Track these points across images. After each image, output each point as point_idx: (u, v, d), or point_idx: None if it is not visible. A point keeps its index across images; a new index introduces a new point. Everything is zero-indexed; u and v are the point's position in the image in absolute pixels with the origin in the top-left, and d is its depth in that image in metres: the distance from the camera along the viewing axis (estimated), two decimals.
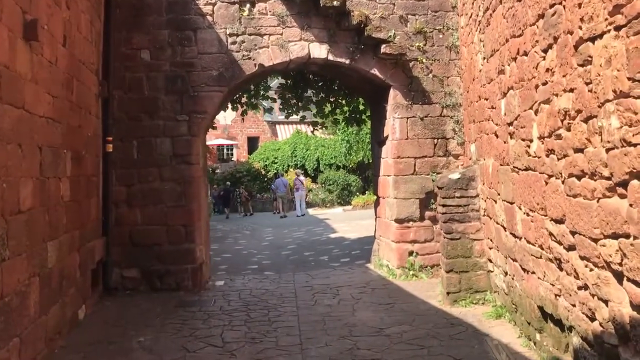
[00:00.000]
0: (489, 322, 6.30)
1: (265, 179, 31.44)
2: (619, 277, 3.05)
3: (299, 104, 11.18)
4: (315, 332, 6.37)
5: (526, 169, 4.76)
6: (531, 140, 4.53)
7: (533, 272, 4.81)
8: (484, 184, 6.95)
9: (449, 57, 9.30)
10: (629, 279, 2.93)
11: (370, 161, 10.70)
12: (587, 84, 3.22)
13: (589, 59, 3.17)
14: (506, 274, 6.02)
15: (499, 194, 6.07)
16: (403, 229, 9.19)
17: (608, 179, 3.03)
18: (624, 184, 2.84)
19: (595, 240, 3.27)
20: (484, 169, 6.88)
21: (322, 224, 18.70)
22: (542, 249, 4.45)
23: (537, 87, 4.27)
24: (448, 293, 7.13)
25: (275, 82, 12.21)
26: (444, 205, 7.21)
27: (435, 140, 9.28)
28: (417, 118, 9.22)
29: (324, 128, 12.06)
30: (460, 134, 9.23)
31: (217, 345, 6.02)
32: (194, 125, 8.74)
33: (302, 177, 26.89)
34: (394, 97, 9.21)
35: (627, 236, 2.86)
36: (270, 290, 8.68)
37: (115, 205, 8.52)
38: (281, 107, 11.34)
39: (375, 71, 9.13)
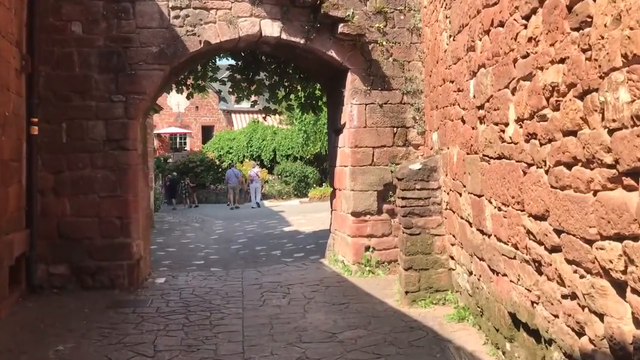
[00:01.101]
0: (451, 326, 5.76)
1: (220, 170, 30.49)
2: (621, 287, 2.49)
3: (251, 87, 10.40)
4: (260, 337, 5.70)
5: (499, 157, 4.20)
6: (506, 124, 3.96)
7: (504, 275, 4.25)
8: (447, 175, 6.40)
9: (411, 41, 8.72)
10: (634, 291, 2.36)
11: (328, 153, 10.10)
12: (584, 51, 2.64)
13: (588, 19, 2.58)
14: (471, 273, 5.47)
15: (464, 186, 5.52)
16: (360, 223, 8.61)
17: (611, 167, 2.45)
18: (635, 174, 2.27)
19: (590, 242, 2.70)
20: (448, 158, 6.32)
21: (277, 217, 17.99)
22: (517, 248, 3.89)
23: (515, 61, 3.69)
24: (407, 292, 6.56)
25: (225, 63, 11.37)
26: (403, 198, 6.63)
27: (395, 129, 8.72)
28: (376, 105, 8.62)
29: (277, 115, 11.29)
30: (421, 122, 8.69)
31: (147, 354, 5.27)
32: (131, 107, 7.90)
33: (257, 169, 26.23)
34: (352, 81, 8.58)
35: (636, 238, 2.29)
36: (215, 289, 7.96)
37: (40, 193, 7.64)
38: (230, 90, 10.56)
39: (332, 53, 8.48)
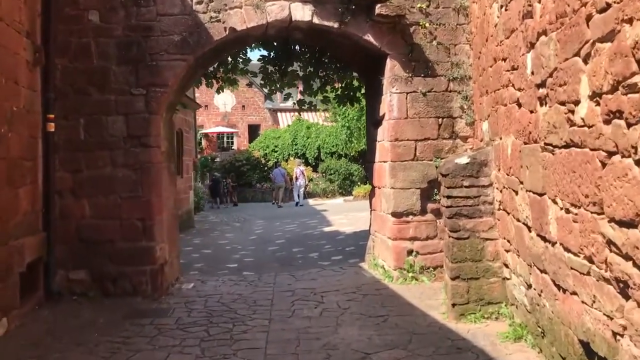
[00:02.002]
0: (506, 347, 4.91)
1: (266, 168, 30.25)
2: None
3: (283, 79, 9.74)
4: (284, 356, 5.01)
5: (567, 146, 3.35)
6: (577, 103, 3.12)
7: (574, 293, 3.40)
8: (499, 169, 5.53)
9: (457, 21, 7.84)
10: None
11: (367, 147, 9.35)
12: None
13: None
14: (529, 286, 4.61)
15: (521, 183, 4.66)
16: (401, 224, 7.81)
17: None
18: None
19: None
20: (501, 150, 5.46)
21: (318, 216, 17.32)
22: (592, 262, 3.05)
23: (589, 18, 2.85)
24: (453, 305, 5.74)
25: (257, 56, 10.66)
26: (449, 197, 5.80)
27: (440, 120, 7.87)
28: (419, 93, 7.79)
29: (313, 109, 10.58)
30: (469, 112, 7.81)
31: None
32: (153, 100, 7.35)
33: (302, 167, 26.01)
34: (392, 68, 7.78)
35: None
36: (244, 296, 7.32)
37: (59, 195, 7.19)
38: (262, 82, 9.92)
39: (369, 37, 7.70)
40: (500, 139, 5.47)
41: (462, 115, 7.88)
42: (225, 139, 41.96)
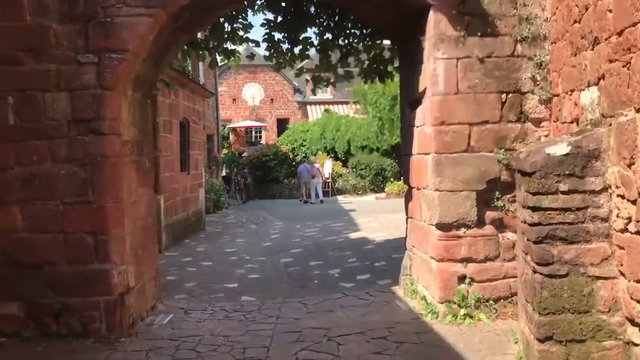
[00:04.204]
0: None
1: (294, 163, 28.53)
2: None
3: (294, 49, 7.63)
4: None
5: None
6: None
7: None
8: (622, 166, 3.34)
9: None
10: None
11: (401, 135, 7.21)
12: None
13: None
14: None
15: None
16: (450, 240, 5.69)
17: None
18: None
19: None
20: (626, 133, 3.28)
21: (345, 218, 15.17)
22: None
23: None
24: None
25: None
26: (535, 209, 3.64)
27: (504, 96, 5.70)
28: (474, 59, 5.63)
29: (329, 87, 8.40)
30: (544, 84, 5.62)
31: None
32: (107, 71, 5.38)
33: (317, 165, 24.90)
34: (436, 24, 5.62)
35: None
36: (231, 341, 5.30)
37: None
38: (267, 53, 7.83)
39: None
40: (625, 115, 3.27)
41: (535, 90, 5.69)
42: (253, 133, 41.26)
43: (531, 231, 3.64)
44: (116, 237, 5.48)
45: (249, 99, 41.01)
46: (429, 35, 5.71)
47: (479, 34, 5.63)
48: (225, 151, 34.25)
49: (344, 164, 27.43)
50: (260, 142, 39.66)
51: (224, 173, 29.40)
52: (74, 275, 5.39)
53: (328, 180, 25.99)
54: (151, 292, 6.43)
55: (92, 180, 5.39)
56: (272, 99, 41.20)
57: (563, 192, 3.57)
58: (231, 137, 39.51)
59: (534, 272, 3.64)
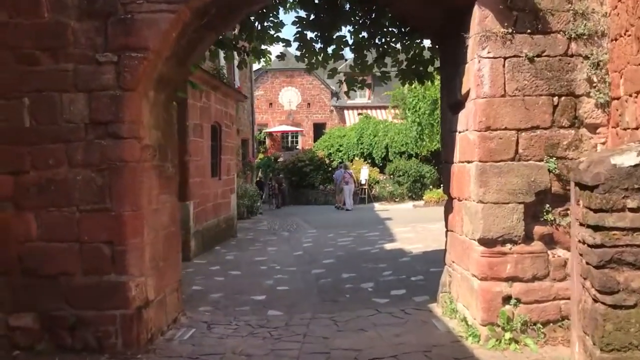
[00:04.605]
0: None
1: (330, 169, 28.20)
2: None
3: (327, 49, 7.21)
4: None
5: None
6: None
7: None
8: None
9: None
10: None
11: (441, 141, 6.68)
12: None
13: None
14: None
15: None
16: (494, 257, 5.20)
17: None
18: None
19: None
20: None
21: (380, 227, 14.64)
22: None
23: None
24: None
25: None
26: (596, 227, 3.14)
27: (556, 99, 5.19)
28: (523, 58, 5.14)
29: (365, 89, 7.88)
30: (602, 86, 5.08)
31: None
32: (127, 70, 5.08)
33: (350, 170, 24.55)
34: (481, 20, 5.15)
35: None
36: None
37: None
38: (298, 54, 7.41)
39: None
40: None
41: (591, 92, 5.15)
42: (289, 138, 41.16)
43: (592, 254, 3.13)
44: (134, 247, 5.16)
45: (285, 103, 40.95)
46: (474, 32, 5.23)
47: (528, 31, 5.14)
48: (261, 156, 34.19)
49: (382, 170, 26.89)
50: (297, 147, 39.52)
51: (260, 178, 29.29)
52: (89, 287, 5.10)
53: (364, 187, 25.54)
54: (173, 305, 6.10)
55: (109, 187, 5.08)
56: (309, 104, 41.04)
57: (631, 210, 3.05)
58: (267, 141, 39.48)
59: (595, 300, 3.12)
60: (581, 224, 3.36)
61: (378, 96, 38.60)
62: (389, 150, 27.61)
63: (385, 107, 33.26)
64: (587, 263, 3.21)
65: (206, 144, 11.41)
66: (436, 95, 22.05)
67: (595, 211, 3.09)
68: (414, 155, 25.49)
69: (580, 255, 3.35)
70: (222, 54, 7.38)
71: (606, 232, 3.06)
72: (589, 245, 3.16)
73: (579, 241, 3.38)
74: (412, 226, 13.95)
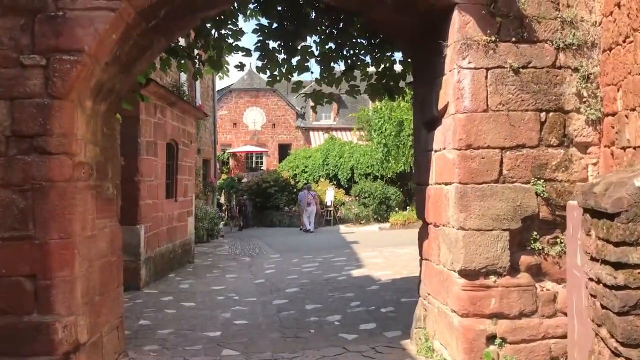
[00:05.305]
0: None
1: (295, 190, 27.67)
2: None
3: (291, 60, 6.62)
4: None
5: None
6: None
7: None
8: None
9: None
10: None
11: (415, 161, 6.10)
12: None
13: None
14: None
15: None
16: (477, 290, 4.66)
17: None
18: None
19: None
20: None
21: (347, 251, 14.00)
22: None
23: None
24: None
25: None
26: (618, 265, 2.56)
27: (543, 115, 4.73)
28: (508, 69, 4.66)
29: (331, 103, 7.30)
30: (593, 102, 4.64)
31: None
32: (58, 76, 4.35)
33: (313, 192, 24.39)
34: (462, 26, 4.65)
35: None
36: None
37: None
38: (259, 66, 6.77)
39: None
40: None
41: (581, 108, 4.71)
42: (254, 158, 40.84)
43: (612, 297, 2.56)
44: (62, 281, 4.39)
45: (250, 123, 40.56)
46: (453, 40, 4.72)
47: (513, 39, 4.67)
48: (224, 177, 33.43)
49: (347, 192, 26.46)
50: (261, 168, 39.11)
51: (222, 200, 28.53)
52: (6, 329, 4.28)
53: (330, 209, 25.06)
54: (112, 346, 5.32)
55: (33, 211, 4.32)
56: (274, 124, 40.77)
57: None
58: (231, 162, 38.83)
59: (617, 355, 2.54)
60: (593, 259, 2.80)
61: (343, 118, 38.41)
62: (354, 172, 27.22)
63: (350, 129, 33.09)
64: (605, 307, 2.64)
65: (161, 163, 10.63)
66: (402, 117, 21.75)
67: (617, 245, 2.53)
68: (380, 177, 25.12)
69: (593, 296, 2.78)
70: (174, 63, 6.66)
71: (630, 270, 2.50)
72: (607, 287, 2.59)
73: (592, 279, 2.81)
74: (380, 250, 13.36)
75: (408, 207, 22.79)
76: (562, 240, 4.62)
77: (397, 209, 22.97)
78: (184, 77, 13.86)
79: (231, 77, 45.16)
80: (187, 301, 8.59)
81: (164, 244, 10.94)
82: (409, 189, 24.36)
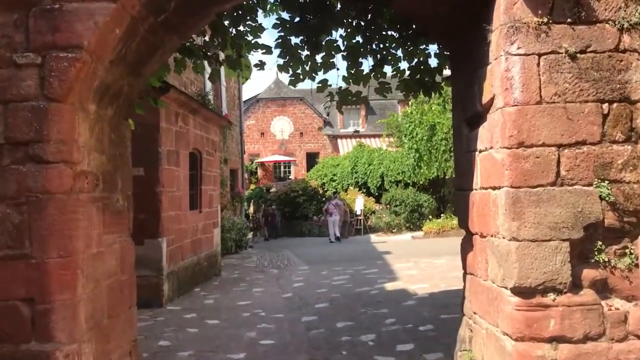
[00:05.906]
0: None
1: (323, 199, 27.27)
2: None
3: (315, 56, 6.09)
4: None
5: None
6: None
7: None
8: None
9: None
10: None
11: (447, 176, 5.44)
12: None
13: None
14: None
15: None
16: (533, 310, 4.04)
17: None
18: None
19: None
20: None
21: (379, 262, 13.38)
22: None
23: None
24: None
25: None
26: None
27: (606, 106, 4.10)
28: (563, 55, 4.05)
29: (358, 103, 6.70)
30: None
31: None
32: (55, 75, 3.91)
33: (337, 199, 23.82)
34: (508, 7, 4.07)
35: None
36: None
37: None
38: (280, 64, 6.24)
39: None
40: None
41: None
42: (282, 168, 40.75)
43: None
44: (63, 305, 3.92)
45: (277, 132, 40.48)
46: (499, 23, 4.14)
47: (568, 20, 4.06)
48: (253, 186, 33.25)
49: (377, 200, 25.87)
50: (289, 177, 38.99)
51: (251, 210, 28.23)
52: (3, 359, 3.84)
53: (360, 218, 24.53)
54: None
55: (29, 226, 3.87)
56: (301, 133, 40.62)
57: None
58: (259, 172, 38.75)
59: None
60: None
61: (371, 124, 37.92)
62: (384, 179, 26.64)
63: (379, 136, 32.62)
64: None
65: (183, 173, 10.21)
66: (434, 120, 21.05)
67: None
68: (411, 184, 24.46)
69: None
70: (190, 64, 6.19)
71: None
72: None
73: None
74: (414, 261, 12.70)
75: (442, 215, 22.07)
76: (632, 251, 3.99)
77: (430, 217, 22.26)
78: (209, 85, 13.52)
79: (258, 87, 45.11)
80: (211, 318, 8.10)
81: (188, 256, 10.51)
82: (442, 195, 23.62)
